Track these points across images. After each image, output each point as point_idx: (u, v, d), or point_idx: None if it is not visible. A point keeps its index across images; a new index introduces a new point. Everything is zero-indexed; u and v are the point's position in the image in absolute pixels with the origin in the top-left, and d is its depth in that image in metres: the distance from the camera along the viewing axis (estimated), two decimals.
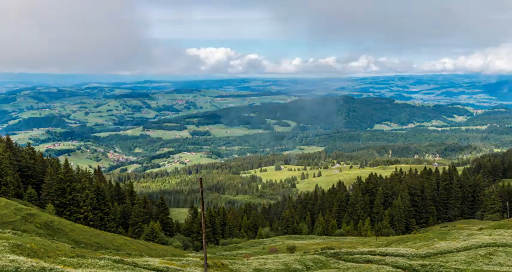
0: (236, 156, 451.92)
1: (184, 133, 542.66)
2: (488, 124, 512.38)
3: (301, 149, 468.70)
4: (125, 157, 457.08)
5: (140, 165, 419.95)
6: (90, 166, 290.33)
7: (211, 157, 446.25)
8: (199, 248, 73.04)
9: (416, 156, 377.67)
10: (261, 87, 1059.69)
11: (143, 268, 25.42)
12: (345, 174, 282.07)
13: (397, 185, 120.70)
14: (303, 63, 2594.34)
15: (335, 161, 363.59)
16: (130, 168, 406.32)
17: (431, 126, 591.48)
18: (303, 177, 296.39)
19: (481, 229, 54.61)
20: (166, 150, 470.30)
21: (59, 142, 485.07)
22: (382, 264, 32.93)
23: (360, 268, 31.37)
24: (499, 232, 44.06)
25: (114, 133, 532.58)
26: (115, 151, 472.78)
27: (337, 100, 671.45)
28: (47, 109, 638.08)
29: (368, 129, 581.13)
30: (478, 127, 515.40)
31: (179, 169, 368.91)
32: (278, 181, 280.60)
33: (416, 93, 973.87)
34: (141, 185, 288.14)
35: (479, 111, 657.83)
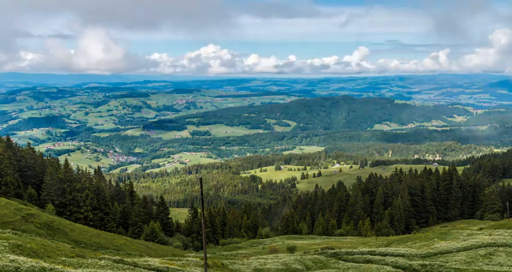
0: (236, 156, 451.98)
1: (184, 133, 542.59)
2: (488, 124, 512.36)
3: (301, 149, 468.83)
4: (125, 157, 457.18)
5: (140, 165, 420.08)
6: (90, 166, 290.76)
7: (211, 157, 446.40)
8: (199, 248, 73.02)
9: (416, 156, 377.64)
10: (261, 87, 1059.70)
11: (143, 268, 25.41)
12: (345, 174, 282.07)
13: (397, 185, 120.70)
14: (303, 63, 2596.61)
15: (335, 161, 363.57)
16: (131, 168, 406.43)
17: (431, 126, 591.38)
18: (303, 177, 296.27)
19: (481, 229, 54.59)
20: (166, 150, 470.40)
21: (59, 142, 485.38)
22: (382, 264, 32.92)
23: (360, 268, 31.37)
24: (499, 232, 44.05)
25: (114, 133, 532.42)
26: (115, 151, 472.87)
27: (337, 100, 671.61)
28: (47, 109, 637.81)
29: (368, 129, 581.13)
30: (478, 127, 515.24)
31: (179, 169, 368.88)
32: (278, 181, 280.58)
33: (417, 93, 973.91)
34: (141, 185, 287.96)
35: (479, 111, 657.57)
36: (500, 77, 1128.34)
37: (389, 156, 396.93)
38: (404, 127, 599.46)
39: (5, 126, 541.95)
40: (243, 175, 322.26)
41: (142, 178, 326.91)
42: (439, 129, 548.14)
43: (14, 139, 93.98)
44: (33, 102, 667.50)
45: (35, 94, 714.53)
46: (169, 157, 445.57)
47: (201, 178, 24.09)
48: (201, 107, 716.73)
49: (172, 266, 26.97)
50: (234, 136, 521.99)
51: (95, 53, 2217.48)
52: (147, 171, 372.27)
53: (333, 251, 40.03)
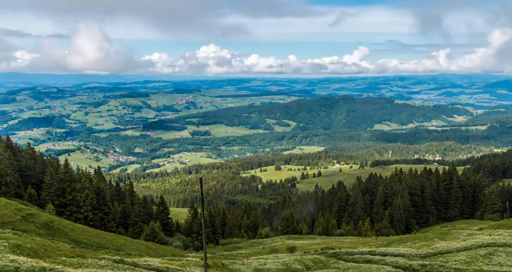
0: (236, 156, 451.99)
1: (184, 133, 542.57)
2: (488, 124, 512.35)
3: (301, 149, 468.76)
4: (125, 157, 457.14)
5: (140, 165, 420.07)
6: (90, 166, 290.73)
7: (211, 157, 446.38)
8: (199, 248, 73.01)
9: (416, 156, 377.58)
10: (261, 87, 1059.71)
11: (143, 268, 25.41)
12: (345, 174, 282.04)
13: (397, 185, 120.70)
14: (303, 63, 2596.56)
15: (335, 161, 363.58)
16: (131, 168, 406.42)
17: (431, 126, 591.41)
18: (303, 177, 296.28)
19: (481, 229, 54.60)
20: (166, 150, 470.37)
21: (59, 142, 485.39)
22: (382, 264, 32.92)
23: (360, 268, 31.36)
24: (499, 232, 44.04)
25: (114, 133, 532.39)
26: (115, 151, 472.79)
27: (337, 100, 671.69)
28: (47, 109, 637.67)
29: (368, 129, 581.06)
30: (478, 127, 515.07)
31: (179, 169, 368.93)
32: (278, 181, 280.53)
33: (417, 93, 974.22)
34: (141, 185, 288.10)
35: (479, 111, 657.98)
36: (500, 77, 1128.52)
37: (389, 156, 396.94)
38: (404, 127, 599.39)
39: (5, 126, 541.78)
40: (243, 175, 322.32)
41: (142, 178, 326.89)
42: (439, 129, 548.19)
43: (14, 139, 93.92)
44: (33, 102, 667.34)
45: (35, 94, 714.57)
46: (169, 157, 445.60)
47: (201, 178, 24.08)
48: (201, 107, 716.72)
49: (172, 266, 26.97)
50: (234, 136, 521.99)
51: (91, 52, 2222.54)
52: (147, 171, 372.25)
53: (333, 251, 40.03)
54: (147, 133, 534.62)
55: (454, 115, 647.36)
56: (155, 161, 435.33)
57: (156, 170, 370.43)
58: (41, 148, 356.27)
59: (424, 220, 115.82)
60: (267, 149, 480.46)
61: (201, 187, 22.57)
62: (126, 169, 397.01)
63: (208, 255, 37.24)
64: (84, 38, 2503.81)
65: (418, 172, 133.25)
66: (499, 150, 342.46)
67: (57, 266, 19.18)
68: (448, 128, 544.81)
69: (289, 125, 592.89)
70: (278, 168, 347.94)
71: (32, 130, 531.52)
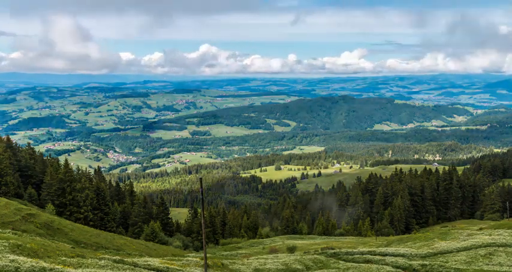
0: (236, 156, 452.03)
1: (184, 133, 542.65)
2: (488, 124, 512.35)
3: (301, 149, 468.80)
4: (125, 157, 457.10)
5: (140, 165, 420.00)
6: (90, 166, 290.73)
7: (211, 157, 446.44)
8: (199, 248, 72.98)
9: (416, 156, 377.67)
10: (261, 87, 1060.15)
11: (143, 268, 25.40)
12: (345, 174, 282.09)
13: (397, 185, 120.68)
14: (303, 63, 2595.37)
15: (335, 161, 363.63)
16: (131, 168, 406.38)
17: (431, 126, 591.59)
18: (303, 177, 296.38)
19: (481, 229, 54.60)
20: (166, 150, 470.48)
21: (59, 142, 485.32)
22: (382, 264, 32.90)
23: (360, 268, 31.35)
24: (499, 232, 44.03)
25: (114, 133, 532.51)
26: (115, 151, 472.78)
27: (337, 100, 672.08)
28: (47, 109, 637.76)
29: (368, 129, 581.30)
30: (478, 127, 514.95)
31: (179, 169, 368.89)
32: (278, 181, 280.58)
33: (417, 93, 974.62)
34: (141, 185, 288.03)
35: (479, 111, 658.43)
36: (500, 77, 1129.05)
37: (389, 156, 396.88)
38: (404, 127, 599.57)
39: (5, 126, 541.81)
40: (243, 175, 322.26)
41: (142, 178, 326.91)
42: (439, 129, 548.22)
43: (14, 139, 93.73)
44: (33, 102, 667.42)
45: (35, 94, 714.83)
46: (169, 157, 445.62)
47: (201, 178, 24.09)
48: (201, 107, 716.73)
49: (172, 266, 26.96)
50: (234, 136, 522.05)
51: (73, 51, 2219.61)
52: (147, 171, 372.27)
53: (333, 251, 40.02)
54: (147, 133, 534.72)
55: (454, 115, 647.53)
56: (155, 161, 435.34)
57: (156, 170, 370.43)
58: (41, 148, 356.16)
59: (424, 220, 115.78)
60: (267, 149, 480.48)
61: (201, 187, 22.56)
62: (126, 169, 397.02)
63: (208, 255, 37.23)
64: (64, 36, 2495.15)
65: (418, 172, 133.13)
66: (499, 150, 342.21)
67: (57, 266, 19.17)
68: (448, 128, 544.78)
69: (289, 125, 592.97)
70: (278, 168, 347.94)
71: (32, 130, 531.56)
